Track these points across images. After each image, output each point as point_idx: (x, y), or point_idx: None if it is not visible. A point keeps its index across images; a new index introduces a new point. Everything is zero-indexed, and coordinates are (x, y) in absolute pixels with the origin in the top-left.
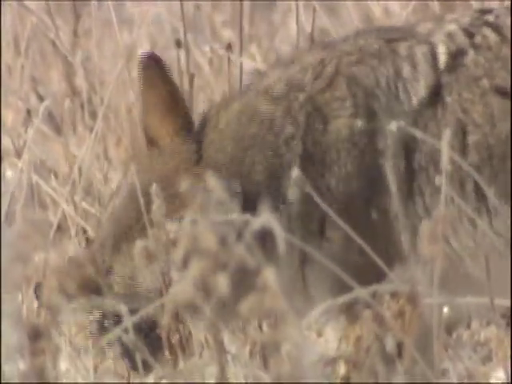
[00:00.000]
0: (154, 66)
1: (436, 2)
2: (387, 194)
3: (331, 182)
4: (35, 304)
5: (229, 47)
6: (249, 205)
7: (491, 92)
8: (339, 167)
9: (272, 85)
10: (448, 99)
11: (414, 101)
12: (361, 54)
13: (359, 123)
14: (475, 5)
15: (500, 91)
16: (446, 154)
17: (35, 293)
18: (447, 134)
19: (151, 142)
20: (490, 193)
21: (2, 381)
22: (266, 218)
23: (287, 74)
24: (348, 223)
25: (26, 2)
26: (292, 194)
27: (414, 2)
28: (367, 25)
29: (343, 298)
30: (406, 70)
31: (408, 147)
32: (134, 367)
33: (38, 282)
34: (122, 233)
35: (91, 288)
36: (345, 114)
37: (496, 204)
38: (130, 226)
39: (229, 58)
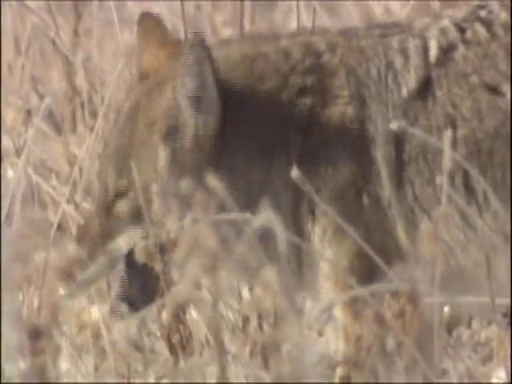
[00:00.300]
0: (149, 16)
1: (437, 2)
2: (379, 182)
3: (322, 167)
4: (35, 303)
5: None
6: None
7: (480, 88)
8: (329, 152)
9: (290, 47)
10: (438, 93)
11: (404, 92)
12: (362, 53)
13: (350, 110)
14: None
15: (488, 87)
16: (447, 153)
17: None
18: (448, 134)
19: (144, 76)
20: (480, 186)
21: (3, 380)
22: (266, 217)
23: (307, 40)
24: (339, 212)
25: (26, 2)
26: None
27: (414, 2)
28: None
29: (343, 297)
30: (398, 62)
31: (398, 138)
32: (132, 308)
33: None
34: (123, 152)
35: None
36: (340, 101)
37: (486, 197)
38: (130, 144)
39: None
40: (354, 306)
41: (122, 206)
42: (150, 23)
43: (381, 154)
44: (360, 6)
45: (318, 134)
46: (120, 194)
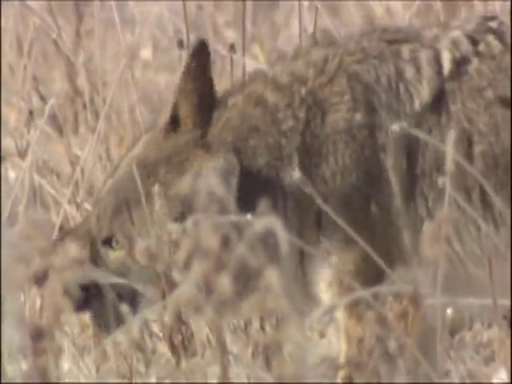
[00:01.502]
0: (202, 53)
1: (439, 3)
2: (388, 191)
3: (328, 174)
4: (37, 304)
5: (231, 48)
6: (248, 189)
7: (495, 103)
8: (336, 159)
9: (278, 75)
10: (452, 107)
11: (417, 104)
12: (363, 54)
13: (358, 116)
14: (478, 6)
15: (503, 102)
16: (450, 155)
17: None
18: (451, 136)
19: (174, 120)
20: (497, 201)
21: (5, 380)
22: (268, 219)
23: (292, 67)
24: (346, 219)
25: (28, 3)
26: (290, 186)
27: (417, 3)
28: (370, 25)
29: (346, 299)
30: (410, 73)
31: (410, 150)
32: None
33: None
34: (124, 199)
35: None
36: (343, 107)
37: (502, 212)
38: (134, 192)
39: (231, 59)
40: (356, 308)
41: (111, 255)
42: (204, 56)
43: (391, 163)
44: (362, 7)
45: (321, 142)
46: (109, 240)
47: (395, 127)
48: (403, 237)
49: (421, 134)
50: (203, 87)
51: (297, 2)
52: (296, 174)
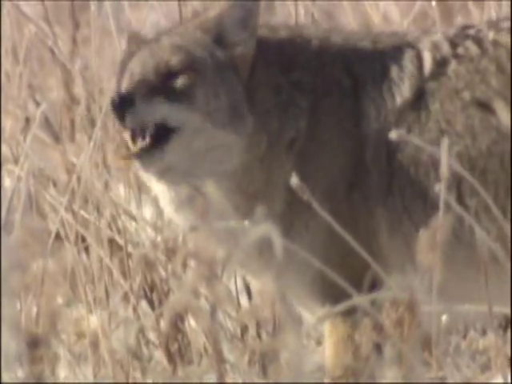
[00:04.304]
0: None
1: (435, 10)
2: (369, 182)
3: (315, 155)
4: (34, 312)
5: None
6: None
7: (472, 105)
8: (324, 141)
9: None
10: (431, 107)
11: (398, 100)
12: (357, 50)
13: (347, 104)
14: (474, 12)
15: (480, 104)
16: (445, 161)
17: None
18: (445, 142)
19: None
20: (473, 202)
21: None
22: (265, 227)
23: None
24: (330, 209)
25: (24, 10)
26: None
27: (413, 10)
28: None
29: (342, 306)
30: (393, 70)
31: (389, 145)
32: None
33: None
34: None
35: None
36: (335, 92)
37: (478, 214)
38: None
39: None
40: (352, 314)
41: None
42: None
43: (370, 156)
44: (358, 14)
45: (314, 124)
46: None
47: (393, 135)
48: (381, 232)
49: (415, 140)
50: None
51: (293, 8)
52: (294, 180)
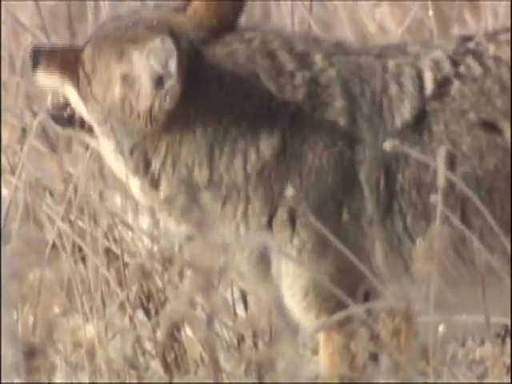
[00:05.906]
0: None
1: (432, 20)
2: (361, 202)
3: (305, 170)
4: (30, 321)
5: None
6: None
7: (478, 126)
8: (314, 157)
9: (296, 42)
10: (435, 128)
11: (398, 122)
12: (356, 66)
13: (342, 124)
14: (470, 22)
15: (487, 125)
16: (441, 170)
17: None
18: (442, 152)
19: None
20: (478, 222)
21: None
22: (262, 237)
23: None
24: (319, 224)
25: (21, 19)
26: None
27: (409, 19)
28: (362, 42)
29: (338, 316)
30: (393, 89)
31: (389, 166)
32: None
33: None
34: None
35: None
36: (331, 111)
37: (482, 234)
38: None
39: None
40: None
41: None
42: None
43: (365, 177)
44: (355, 24)
45: (303, 136)
46: None
47: (387, 145)
48: (376, 251)
49: (413, 152)
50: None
51: (289, 18)
52: (290, 191)
